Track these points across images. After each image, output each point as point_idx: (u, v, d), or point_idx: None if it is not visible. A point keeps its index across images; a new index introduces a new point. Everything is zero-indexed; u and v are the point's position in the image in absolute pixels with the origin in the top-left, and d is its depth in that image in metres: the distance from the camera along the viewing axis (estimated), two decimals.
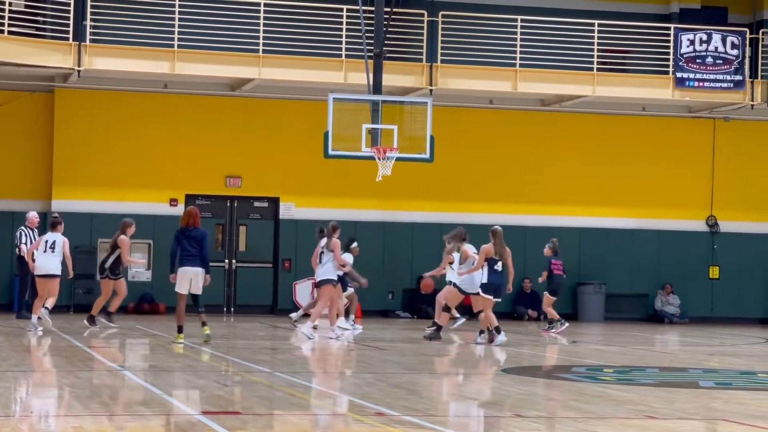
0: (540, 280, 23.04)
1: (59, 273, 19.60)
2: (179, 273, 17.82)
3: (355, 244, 22.18)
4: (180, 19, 25.26)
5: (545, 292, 22.94)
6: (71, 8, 24.80)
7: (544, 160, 28.52)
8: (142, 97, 26.91)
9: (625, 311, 28.50)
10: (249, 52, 25.58)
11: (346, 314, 21.85)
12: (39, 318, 19.19)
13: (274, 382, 12.64)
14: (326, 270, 19.53)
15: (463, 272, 19.42)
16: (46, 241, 19.56)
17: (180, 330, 17.85)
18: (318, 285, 19.75)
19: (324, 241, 19.99)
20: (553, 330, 22.44)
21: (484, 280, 18.65)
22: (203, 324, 17.84)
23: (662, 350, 20.41)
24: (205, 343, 17.39)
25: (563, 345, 20.03)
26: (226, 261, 27.36)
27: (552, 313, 22.73)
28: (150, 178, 26.89)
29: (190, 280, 17.82)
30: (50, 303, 19.34)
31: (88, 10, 25.04)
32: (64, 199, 26.21)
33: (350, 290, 22.04)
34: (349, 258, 21.21)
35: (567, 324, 22.78)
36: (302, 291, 27.29)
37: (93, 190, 26.45)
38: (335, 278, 19.75)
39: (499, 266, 18.68)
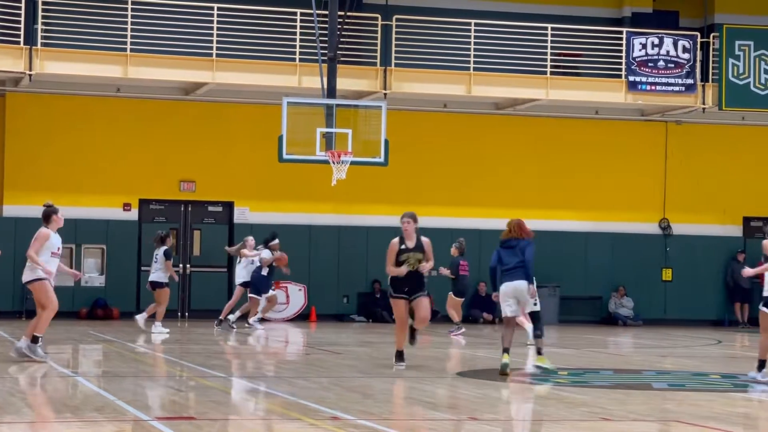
0: (441, 271, 23.13)
1: (33, 277, 15.32)
2: (501, 288, 14.89)
3: (276, 241, 22.96)
4: (133, 23, 25.12)
5: (450, 293, 23.05)
6: (22, 11, 24.61)
7: (498, 163, 28.60)
8: (94, 101, 26.74)
9: (579, 314, 28.64)
10: (203, 56, 25.49)
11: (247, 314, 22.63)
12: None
13: (229, 387, 12.59)
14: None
15: None
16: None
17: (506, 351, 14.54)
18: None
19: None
20: (453, 332, 22.43)
21: None
22: (538, 350, 15.12)
23: (616, 352, 20.52)
24: (543, 371, 14.73)
25: (518, 348, 20.08)
26: (181, 266, 27.23)
27: (453, 315, 22.79)
28: (103, 182, 26.72)
29: (514, 295, 14.77)
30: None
31: (39, 13, 24.85)
32: (16, 204, 26.00)
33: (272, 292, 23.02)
34: (267, 254, 22.84)
35: (464, 329, 22.77)
36: None
37: (45, 195, 26.04)
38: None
39: None
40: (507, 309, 14.64)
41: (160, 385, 12.57)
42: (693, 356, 18.99)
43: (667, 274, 29.29)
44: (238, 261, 23.64)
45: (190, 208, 27.56)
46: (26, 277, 15.00)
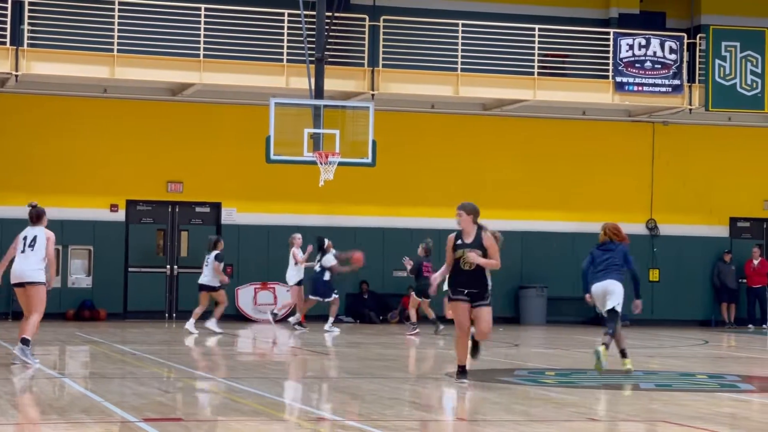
0: (406, 264, 23.30)
1: (41, 279, 14.49)
2: (593, 289, 15.32)
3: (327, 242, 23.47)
4: (120, 24, 25.08)
5: (412, 293, 23.20)
6: (8, 12, 24.55)
7: (485, 164, 28.62)
8: (81, 102, 26.69)
9: (566, 314, 28.67)
10: (190, 56, 25.45)
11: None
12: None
13: (216, 388, 12.58)
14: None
15: None
16: (25, 238, 14.63)
17: (623, 354, 15.12)
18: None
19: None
20: (409, 333, 22.51)
21: None
22: (604, 345, 14.84)
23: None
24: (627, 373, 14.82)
25: (506, 348, 20.10)
26: (168, 267, 27.20)
27: (413, 315, 23.02)
28: (90, 183, 26.67)
29: (604, 295, 15.25)
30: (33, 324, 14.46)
31: (26, 14, 24.79)
32: (3, 205, 25.92)
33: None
34: (331, 259, 23.32)
35: (417, 330, 22.77)
36: (244, 296, 27.19)
37: (32, 196, 25.85)
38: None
39: None
40: (602, 308, 15.30)
41: (147, 387, 12.55)
42: (680, 356, 19.03)
43: (654, 275, 29.35)
44: (295, 264, 23.78)
45: (177, 209, 27.52)
46: (37, 277, 14.38)
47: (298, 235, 24.13)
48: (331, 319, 23.46)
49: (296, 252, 23.74)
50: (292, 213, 27.52)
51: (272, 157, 22.49)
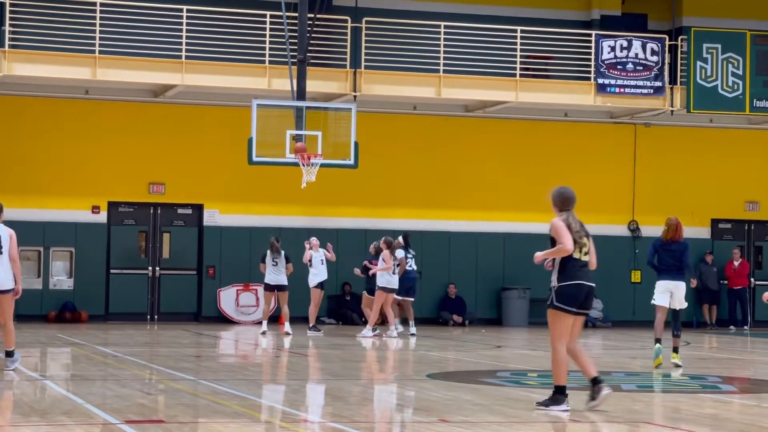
0: (359, 269, 23.47)
1: (10, 287, 13.61)
2: (657, 285, 16.16)
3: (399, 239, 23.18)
4: (101, 25, 25.02)
5: (364, 291, 23.51)
6: None
7: (467, 165, 28.64)
8: (63, 103, 26.61)
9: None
10: (172, 58, 25.41)
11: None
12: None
13: (198, 390, 12.55)
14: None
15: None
16: None
17: (658, 341, 16.05)
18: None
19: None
20: (372, 333, 22.50)
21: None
22: (675, 350, 16.13)
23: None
24: (675, 367, 15.91)
25: (488, 350, 20.12)
26: (150, 268, 27.14)
27: (369, 313, 23.02)
28: (72, 185, 26.60)
29: (670, 293, 16.09)
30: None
31: (7, 15, 24.71)
32: None
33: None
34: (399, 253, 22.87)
35: (378, 331, 22.77)
36: (227, 298, 27.15)
37: (13, 198, 26.01)
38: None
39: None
40: (659, 298, 16.11)
41: (129, 389, 12.52)
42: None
43: (635, 276, 29.41)
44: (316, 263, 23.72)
45: (159, 211, 27.46)
46: (11, 284, 13.50)
47: (314, 239, 24.00)
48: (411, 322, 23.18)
49: (311, 254, 23.56)
50: (274, 214, 27.50)
51: (254, 158, 22.47)
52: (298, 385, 13.37)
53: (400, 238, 23.40)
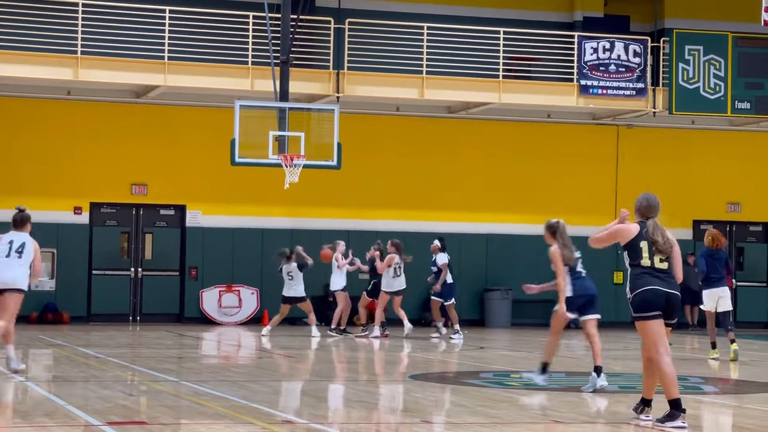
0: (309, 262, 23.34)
1: (24, 287, 14.20)
2: (706, 294, 18.11)
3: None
4: (83, 25, 24.95)
5: (364, 292, 23.54)
6: None
7: (450, 166, 28.66)
8: (44, 103, 26.53)
9: (531, 317, 28.71)
10: (154, 58, 25.36)
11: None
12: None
13: (180, 392, 12.53)
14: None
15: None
16: (11, 242, 14.35)
17: (714, 346, 18.14)
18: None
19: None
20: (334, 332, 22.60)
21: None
22: (732, 341, 17.85)
23: (568, 355, 20.61)
24: (731, 361, 17.71)
25: (471, 351, 20.14)
26: (132, 269, 27.08)
27: (363, 313, 23.14)
28: (54, 186, 26.52)
29: (717, 299, 18.03)
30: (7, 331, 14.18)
31: None
32: None
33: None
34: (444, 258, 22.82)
35: (387, 331, 22.78)
36: (209, 299, 27.10)
37: None
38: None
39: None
40: (709, 305, 18.00)
41: (111, 390, 12.49)
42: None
43: (618, 277, 29.46)
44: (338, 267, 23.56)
45: (141, 212, 27.40)
46: (25, 284, 14.08)
47: (341, 242, 23.91)
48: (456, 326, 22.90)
49: (339, 257, 23.46)
50: (257, 215, 27.47)
51: (237, 159, 22.45)
52: (280, 386, 13.36)
53: (437, 242, 23.20)
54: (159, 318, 26.96)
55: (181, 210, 27.51)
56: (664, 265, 10.44)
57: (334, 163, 22.91)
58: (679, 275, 10.49)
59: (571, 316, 13.12)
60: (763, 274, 30.48)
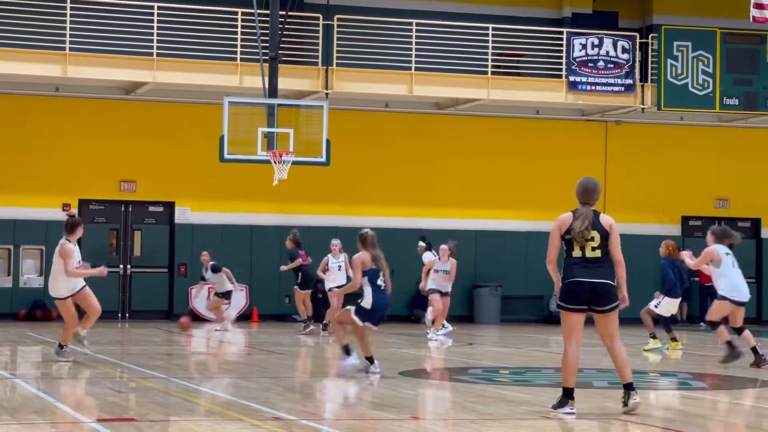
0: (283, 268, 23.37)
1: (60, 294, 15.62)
2: (674, 302, 19.44)
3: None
4: (72, 22, 24.90)
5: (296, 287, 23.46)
6: None
7: (440, 163, 28.68)
8: (33, 100, 26.49)
9: (520, 313, 28.78)
10: (143, 55, 25.32)
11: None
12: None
13: (169, 388, 12.51)
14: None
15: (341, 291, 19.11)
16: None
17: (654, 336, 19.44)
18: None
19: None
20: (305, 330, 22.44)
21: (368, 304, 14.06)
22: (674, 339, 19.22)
23: (557, 351, 20.63)
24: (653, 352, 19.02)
25: (461, 347, 20.15)
26: (121, 266, 27.04)
27: (303, 311, 23.16)
28: (42, 182, 26.47)
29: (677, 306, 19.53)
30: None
31: None
32: None
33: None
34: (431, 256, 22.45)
35: (312, 327, 22.69)
36: (198, 296, 27.07)
37: None
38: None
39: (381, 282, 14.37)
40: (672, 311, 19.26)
41: (100, 387, 12.47)
42: (632, 354, 19.12)
43: None
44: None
45: (130, 209, 27.37)
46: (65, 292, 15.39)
47: (336, 240, 23.75)
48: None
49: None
50: (246, 212, 27.45)
51: (226, 156, 22.43)
52: (269, 382, 13.35)
53: (421, 243, 23.04)
54: (148, 315, 26.94)
55: (169, 207, 27.49)
56: (596, 254, 10.69)
57: (323, 159, 22.91)
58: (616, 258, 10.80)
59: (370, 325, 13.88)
60: (751, 270, 30.52)
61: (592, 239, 10.70)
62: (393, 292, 26.13)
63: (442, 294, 21.58)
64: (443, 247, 21.70)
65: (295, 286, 23.22)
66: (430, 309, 21.89)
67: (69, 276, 15.26)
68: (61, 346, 15.39)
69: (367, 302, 13.94)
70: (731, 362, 15.84)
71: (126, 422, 9.75)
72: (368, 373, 13.84)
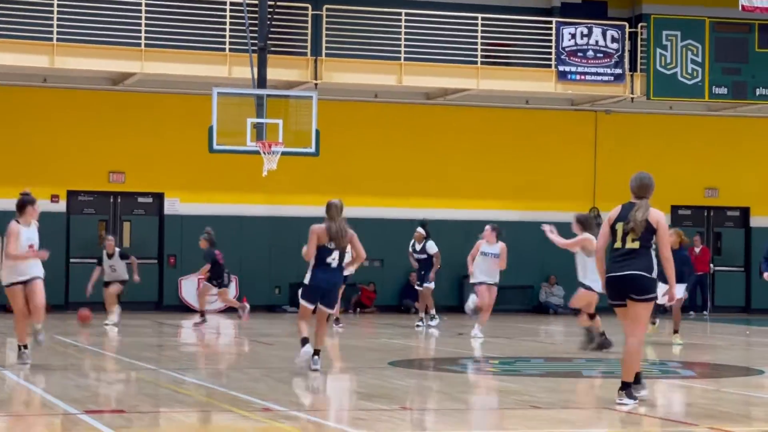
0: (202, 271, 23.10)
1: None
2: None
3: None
4: (59, 12, 24.81)
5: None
6: None
7: (429, 153, 28.65)
8: (20, 91, 26.39)
9: (510, 303, 28.75)
10: (131, 45, 25.24)
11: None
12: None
13: (159, 380, 12.49)
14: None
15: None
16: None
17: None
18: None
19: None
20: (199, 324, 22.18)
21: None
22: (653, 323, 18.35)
23: (547, 341, 20.67)
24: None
25: (450, 338, 20.14)
26: None
27: (231, 302, 23.05)
28: (30, 174, 26.36)
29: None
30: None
31: None
32: None
33: None
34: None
35: (206, 322, 22.54)
36: (188, 287, 27.04)
37: None
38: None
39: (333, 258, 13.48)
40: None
41: (89, 379, 12.45)
42: (621, 344, 19.12)
43: None
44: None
45: (119, 200, 27.31)
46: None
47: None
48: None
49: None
50: (235, 203, 27.41)
51: (215, 146, 22.39)
52: (259, 373, 13.33)
53: (420, 229, 22.57)
54: (138, 306, 26.86)
55: (159, 198, 27.43)
56: (635, 245, 10.75)
57: (313, 150, 22.87)
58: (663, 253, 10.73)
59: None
60: (740, 259, 30.58)
61: (633, 230, 10.78)
62: (382, 283, 26.33)
63: (489, 285, 19.95)
64: (488, 227, 20.58)
65: (219, 289, 22.71)
66: (472, 296, 20.25)
67: (8, 258, 14.19)
68: (19, 348, 14.10)
69: (306, 278, 13.27)
70: (590, 347, 16.38)
71: (115, 414, 9.73)
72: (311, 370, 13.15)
